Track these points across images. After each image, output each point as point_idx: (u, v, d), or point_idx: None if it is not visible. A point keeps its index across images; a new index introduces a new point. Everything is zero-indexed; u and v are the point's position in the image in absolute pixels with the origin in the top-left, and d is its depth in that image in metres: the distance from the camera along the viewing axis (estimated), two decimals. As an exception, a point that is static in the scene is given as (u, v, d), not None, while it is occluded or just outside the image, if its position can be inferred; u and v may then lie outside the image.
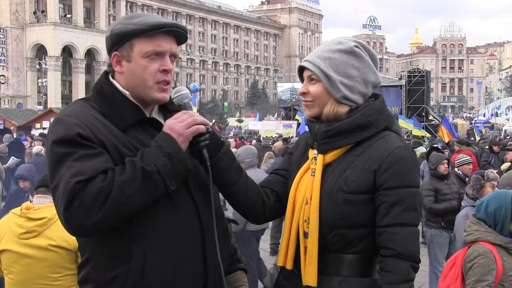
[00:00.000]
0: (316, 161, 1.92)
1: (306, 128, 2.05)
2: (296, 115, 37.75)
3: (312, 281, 1.84)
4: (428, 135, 20.86)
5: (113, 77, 1.84)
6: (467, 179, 6.59)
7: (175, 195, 1.72)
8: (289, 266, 1.94)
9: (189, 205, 1.78)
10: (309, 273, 1.84)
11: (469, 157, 7.00)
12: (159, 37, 1.78)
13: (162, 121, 1.81)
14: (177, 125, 1.73)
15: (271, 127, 30.67)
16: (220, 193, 1.97)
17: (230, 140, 18.01)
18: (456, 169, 6.94)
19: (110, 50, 1.82)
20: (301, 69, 1.99)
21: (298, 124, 31.09)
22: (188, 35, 1.98)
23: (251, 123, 38.48)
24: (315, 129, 1.93)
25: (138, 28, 1.75)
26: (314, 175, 1.89)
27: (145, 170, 1.63)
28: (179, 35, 1.84)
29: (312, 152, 1.96)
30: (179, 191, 1.73)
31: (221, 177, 1.87)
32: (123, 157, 1.68)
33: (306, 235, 1.88)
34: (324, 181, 1.87)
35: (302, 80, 2.00)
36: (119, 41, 1.78)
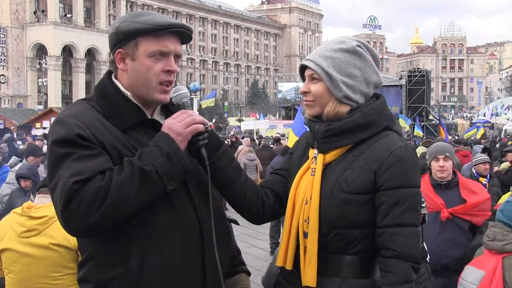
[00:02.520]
0: (316, 160, 1.90)
1: (299, 125, 2.06)
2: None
3: (312, 281, 1.83)
4: (420, 134, 21.26)
5: (116, 76, 1.84)
6: (480, 178, 6.56)
7: (173, 195, 1.72)
8: (288, 266, 1.93)
9: (187, 206, 1.77)
10: (309, 273, 1.84)
11: (487, 157, 6.93)
12: (166, 37, 1.77)
13: (163, 122, 1.80)
14: (176, 125, 1.73)
15: (263, 125, 30.53)
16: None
17: (245, 139, 17.89)
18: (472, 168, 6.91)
19: (113, 47, 1.81)
20: (303, 68, 1.98)
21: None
22: (189, 35, 1.98)
23: (243, 124, 38.36)
24: (316, 129, 1.92)
25: (145, 27, 1.74)
26: (314, 175, 1.88)
27: (143, 170, 1.62)
28: (184, 35, 1.83)
29: (313, 152, 1.95)
30: (177, 191, 1.73)
31: (220, 177, 1.86)
32: (123, 158, 1.67)
33: (306, 235, 1.87)
34: (324, 181, 1.86)
35: (303, 79, 1.99)
36: (124, 38, 1.77)
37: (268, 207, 1.97)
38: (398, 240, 1.77)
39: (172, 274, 1.72)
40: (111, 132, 1.71)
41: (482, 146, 12.08)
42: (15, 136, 19.77)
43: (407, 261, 1.77)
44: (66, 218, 1.59)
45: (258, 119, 39.88)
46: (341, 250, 1.83)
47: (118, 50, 1.79)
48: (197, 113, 1.86)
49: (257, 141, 19.70)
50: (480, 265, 3.01)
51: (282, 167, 2.10)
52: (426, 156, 4.46)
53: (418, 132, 22.89)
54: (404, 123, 25.17)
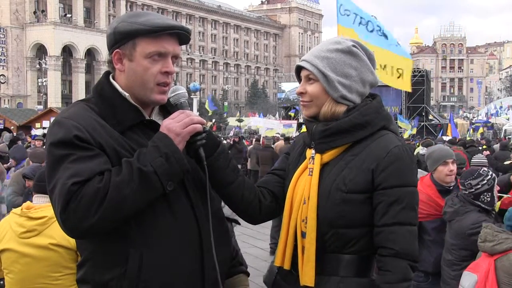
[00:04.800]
0: (313, 160, 1.91)
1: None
2: (290, 112, 37.95)
3: (310, 281, 1.84)
4: (408, 134, 21.52)
5: (114, 77, 1.84)
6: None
7: (172, 196, 1.72)
8: (286, 266, 1.94)
9: (186, 206, 1.77)
10: (307, 273, 1.84)
11: (485, 159, 6.94)
12: (164, 38, 1.77)
13: (161, 122, 1.80)
14: (174, 125, 1.72)
15: (273, 125, 30.53)
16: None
17: (261, 139, 17.97)
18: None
19: (111, 47, 1.80)
20: (299, 69, 1.99)
21: (299, 124, 31.07)
22: (188, 35, 1.98)
23: (254, 119, 38.19)
24: (313, 129, 1.93)
25: (143, 28, 1.74)
26: (312, 175, 1.89)
27: (141, 171, 1.62)
28: (182, 36, 1.83)
29: (310, 152, 1.96)
30: (176, 192, 1.73)
31: (218, 177, 1.86)
32: (122, 159, 1.67)
33: (303, 234, 1.87)
34: (322, 181, 1.87)
35: (299, 80, 2.00)
36: (122, 39, 1.76)
37: (265, 207, 1.98)
38: (396, 239, 1.78)
39: (170, 275, 1.72)
40: (109, 133, 1.71)
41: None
42: (14, 136, 19.74)
43: (405, 259, 1.78)
44: (65, 220, 1.59)
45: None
46: (339, 249, 1.84)
47: (115, 51, 1.79)
48: (197, 113, 1.86)
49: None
50: (475, 269, 3.00)
51: (279, 167, 2.11)
52: (428, 161, 4.47)
53: (409, 135, 22.83)
54: (403, 125, 25.14)
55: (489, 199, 3.69)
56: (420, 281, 4.40)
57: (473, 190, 3.69)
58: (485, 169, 3.91)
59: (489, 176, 3.72)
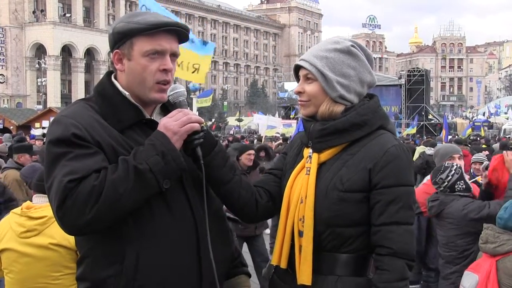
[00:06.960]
0: (311, 159, 1.92)
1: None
2: (289, 112, 37.90)
3: (307, 280, 1.84)
4: (413, 131, 21.57)
5: (116, 77, 1.85)
6: (478, 178, 6.60)
7: (169, 194, 1.72)
8: (283, 265, 1.94)
9: (183, 205, 1.78)
10: (304, 272, 1.85)
11: (484, 157, 6.97)
12: (160, 36, 1.78)
13: None
14: (171, 124, 1.73)
15: (275, 123, 30.43)
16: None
17: (266, 142, 17.91)
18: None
19: (112, 48, 1.83)
20: (297, 68, 2.00)
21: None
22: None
23: (256, 116, 37.95)
24: (310, 128, 1.94)
25: (139, 27, 1.75)
26: (309, 174, 1.89)
27: (137, 169, 1.63)
28: (181, 34, 1.84)
29: (307, 151, 1.96)
30: (173, 190, 1.73)
31: (215, 176, 1.86)
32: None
33: (301, 233, 1.88)
34: (319, 180, 1.87)
35: (298, 79, 2.01)
36: (120, 39, 1.78)
37: (262, 206, 1.98)
38: (393, 238, 1.79)
39: (167, 273, 1.72)
40: (108, 131, 1.72)
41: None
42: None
43: (402, 258, 1.79)
44: (61, 217, 1.61)
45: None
46: (336, 248, 1.85)
47: (115, 51, 1.81)
48: (196, 112, 1.86)
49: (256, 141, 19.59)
50: (477, 269, 3.00)
51: (276, 167, 2.11)
52: (435, 157, 4.53)
53: (411, 130, 22.88)
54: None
55: (464, 186, 3.82)
56: (430, 281, 4.41)
57: (446, 183, 3.82)
58: (448, 162, 4.02)
59: (455, 166, 3.86)
